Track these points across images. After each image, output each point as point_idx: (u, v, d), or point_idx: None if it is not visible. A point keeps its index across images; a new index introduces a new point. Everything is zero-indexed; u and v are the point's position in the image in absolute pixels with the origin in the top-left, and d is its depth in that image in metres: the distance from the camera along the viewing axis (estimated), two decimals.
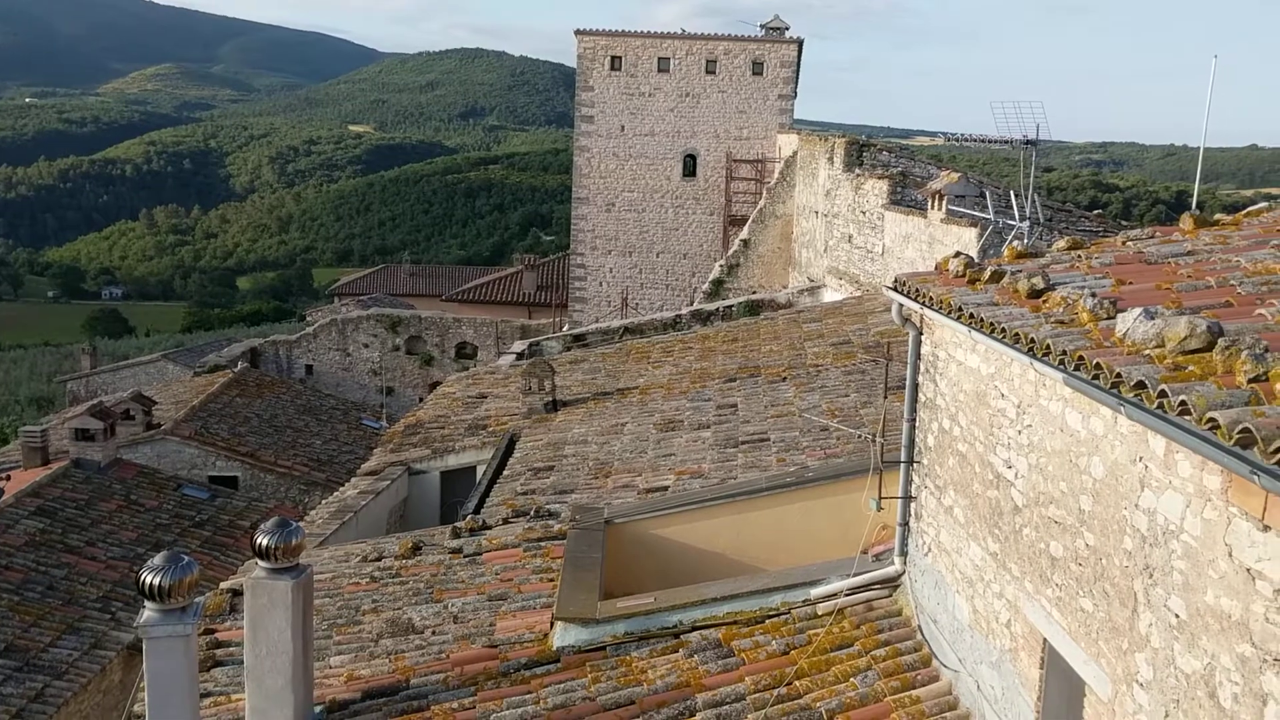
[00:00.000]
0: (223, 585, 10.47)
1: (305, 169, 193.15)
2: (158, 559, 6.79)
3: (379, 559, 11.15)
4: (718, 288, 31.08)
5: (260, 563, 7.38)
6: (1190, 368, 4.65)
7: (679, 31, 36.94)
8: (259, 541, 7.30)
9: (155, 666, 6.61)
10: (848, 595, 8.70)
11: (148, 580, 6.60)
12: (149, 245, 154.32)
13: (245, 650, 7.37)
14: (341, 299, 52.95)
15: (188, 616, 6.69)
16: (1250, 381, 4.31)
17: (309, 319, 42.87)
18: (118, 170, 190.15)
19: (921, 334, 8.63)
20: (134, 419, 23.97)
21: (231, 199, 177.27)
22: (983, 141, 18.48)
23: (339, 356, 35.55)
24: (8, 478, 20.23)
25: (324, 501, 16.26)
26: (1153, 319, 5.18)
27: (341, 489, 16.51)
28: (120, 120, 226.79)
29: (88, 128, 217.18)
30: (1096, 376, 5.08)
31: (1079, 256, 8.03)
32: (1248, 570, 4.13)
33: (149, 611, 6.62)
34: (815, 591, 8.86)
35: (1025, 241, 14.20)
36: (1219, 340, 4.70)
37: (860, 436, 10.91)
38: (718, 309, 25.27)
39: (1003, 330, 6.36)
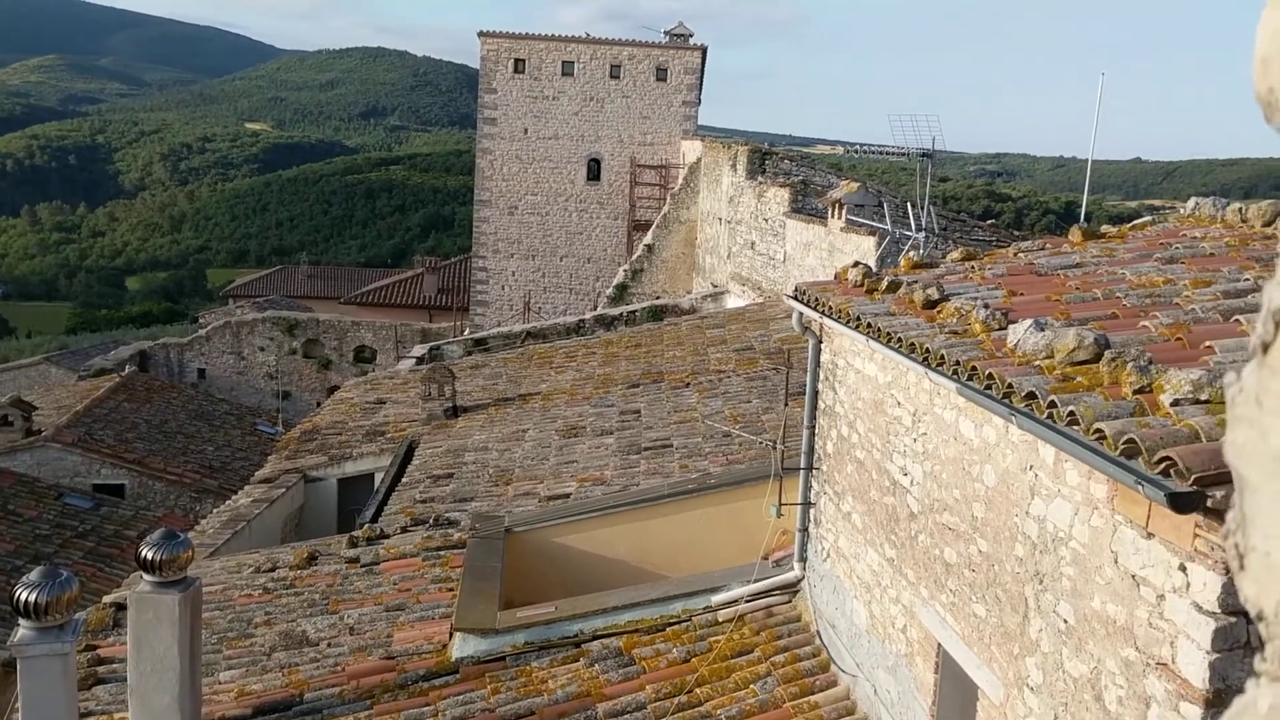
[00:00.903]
0: (106, 599, 10.09)
1: (199, 167, 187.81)
2: (34, 574, 6.51)
3: (273, 569, 10.86)
4: (622, 292, 31.10)
5: (145, 576, 7.10)
6: (1078, 379, 4.77)
7: (584, 36, 36.90)
8: (144, 554, 7.04)
9: (30, 687, 6.33)
10: (748, 602, 8.75)
11: (22, 597, 6.31)
12: (31, 243, 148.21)
13: (129, 667, 7.09)
14: (236, 301, 51.62)
15: (66, 634, 6.42)
16: (1135, 393, 4.43)
17: (202, 321, 41.72)
18: None
19: (821, 342, 8.73)
20: (12, 425, 22.98)
21: (121, 196, 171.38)
22: (881, 153, 18.83)
23: (233, 360, 34.62)
24: None
25: (216, 510, 15.79)
26: (1042, 330, 5.30)
27: (234, 497, 16.06)
28: (1, 113, 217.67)
29: None
30: (989, 387, 5.18)
31: (972, 267, 8.21)
32: (1132, 577, 4.25)
33: (24, 630, 6.34)
34: (716, 598, 8.89)
35: (921, 252, 14.51)
36: (1106, 352, 4.84)
37: (761, 443, 11.00)
38: (621, 314, 25.28)
39: (899, 340, 6.46)
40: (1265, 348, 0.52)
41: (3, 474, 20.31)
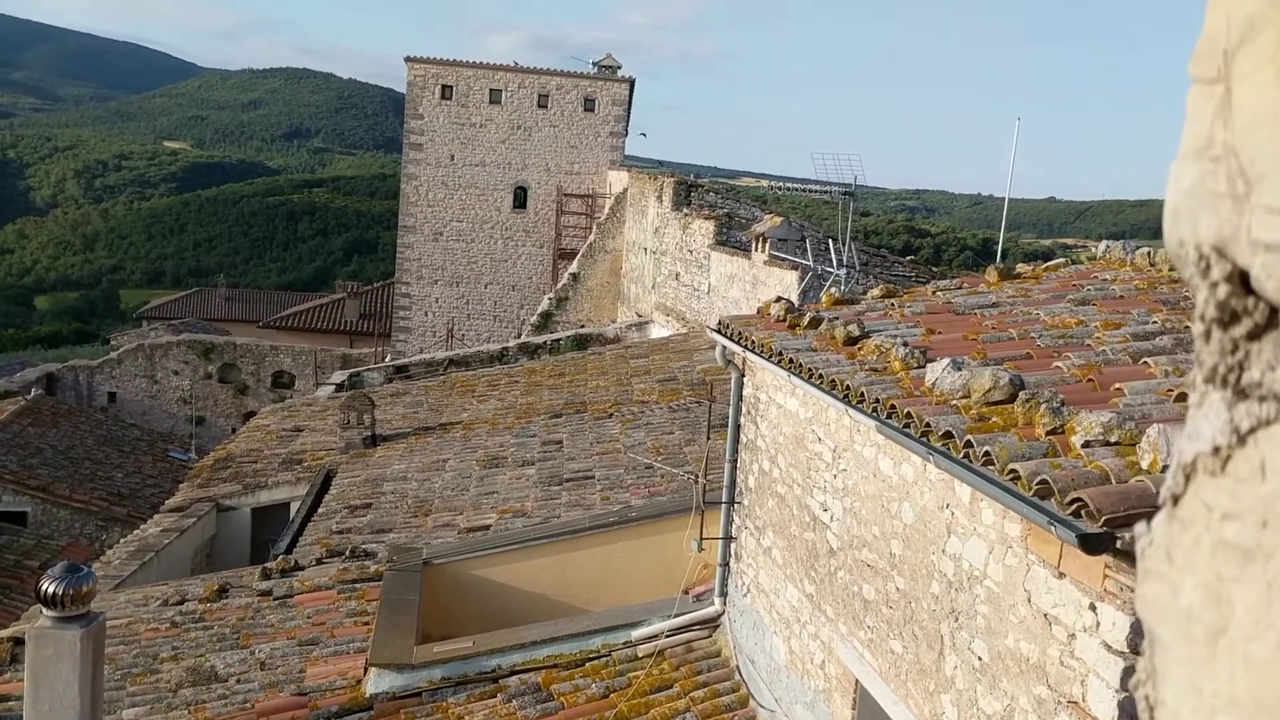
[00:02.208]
0: (2, 634, 9.70)
1: (115, 184, 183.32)
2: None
3: (181, 602, 10.55)
4: (546, 320, 31.01)
5: (45, 610, 6.84)
6: (994, 419, 4.85)
7: (512, 64, 36.90)
8: (44, 588, 6.78)
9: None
10: (668, 636, 8.71)
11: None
12: None
13: (25, 705, 6.80)
14: (151, 323, 50.37)
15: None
16: (1048, 433, 4.52)
17: (114, 343, 40.55)
18: None
19: (744, 376, 8.78)
20: None
21: (32, 213, 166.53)
22: (805, 189, 19.07)
23: (146, 384, 33.72)
24: None
25: (123, 540, 15.32)
26: (959, 370, 5.39)
27: (143, 526, 15.60)
28: None
29: None
30: (907, 425, 5.24)
31: (893, 305, 8.33)
32: (1044, 615, 4.31)
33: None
34: (636, 633, 8.84)
35: (843, 287, 14.70)
36: (1020, 393, 4.93)
37: (683, 476, 11.00)
38: (545, 342, 25.18)
39: (820, 376, 6.52)
40: (1176, 500, 0.53)
41: None
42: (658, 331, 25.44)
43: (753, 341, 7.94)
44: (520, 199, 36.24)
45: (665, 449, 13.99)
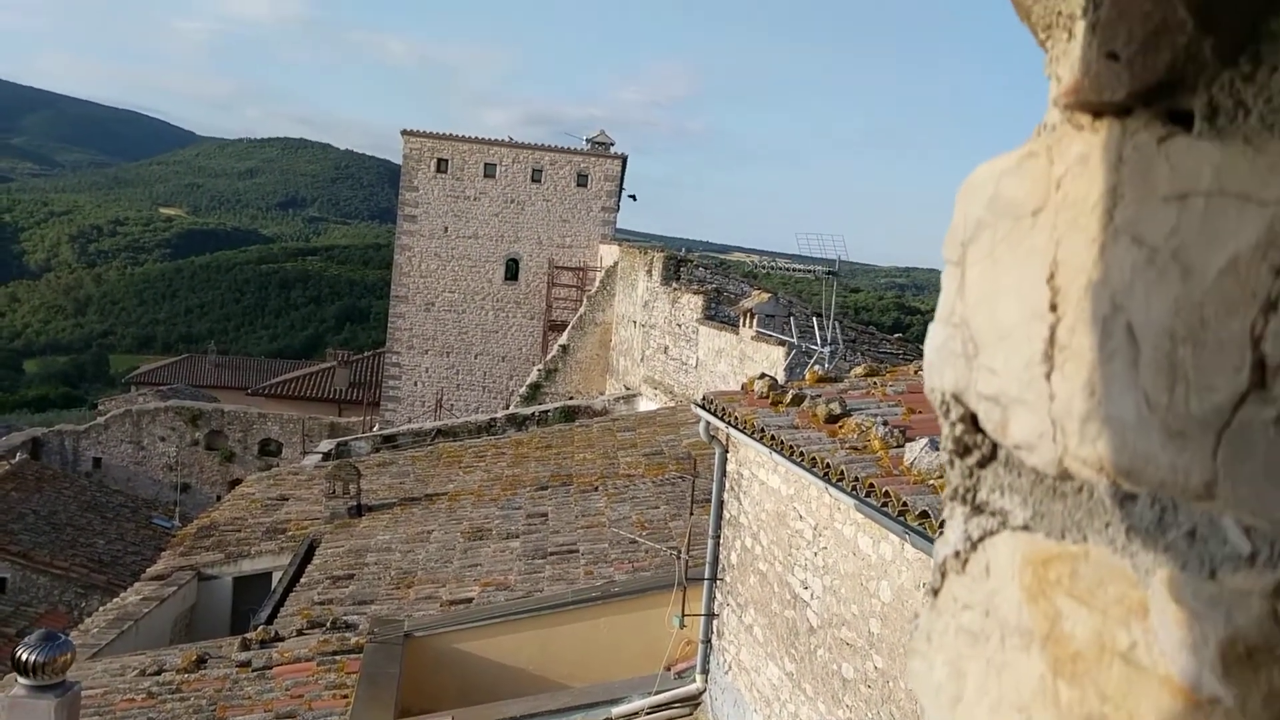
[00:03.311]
0: None
1: (109, 249, 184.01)
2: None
3: (158, 673, 10.45)
4: (535, 392, 31.09)
5: (20, 679, 6.79)
6: None
7: (507, 139, 37.47)
8: (20, 656, 6.74)
9: None
10: (649, 714, 8.66)
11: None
12: None
13: None
14: (139, 388, 50.25)
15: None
16: None
17: (101, 408, 40.46)
18: None
19: (728, 452, 8.84)
20: None
21: (25, 277, 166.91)
22: (789, 269, 19.34)
23: (132, 449, 33.59)
24: None
25: (102, 608, 15.17)
26: (937, 449, 5.47)
27: (123, 594, 15.46)
28: None
29: None
30: (885, 504, 5.30)
31: (875, 383, 8.44)
32: None
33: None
34: (617, 710, 8.78)
35: (827, 365, 14.84)
36: None
37: (667, 551, 11.00)
38: (534, 414, 25.23)
39: (800, 454, 6.60)
40: (935, 593, 0.63)
41: None
42: (645, 405, 25.53)
43: (736, 418, 8.03)
44: (512, 271, 36.55)
45: (650, 524, 13.98)
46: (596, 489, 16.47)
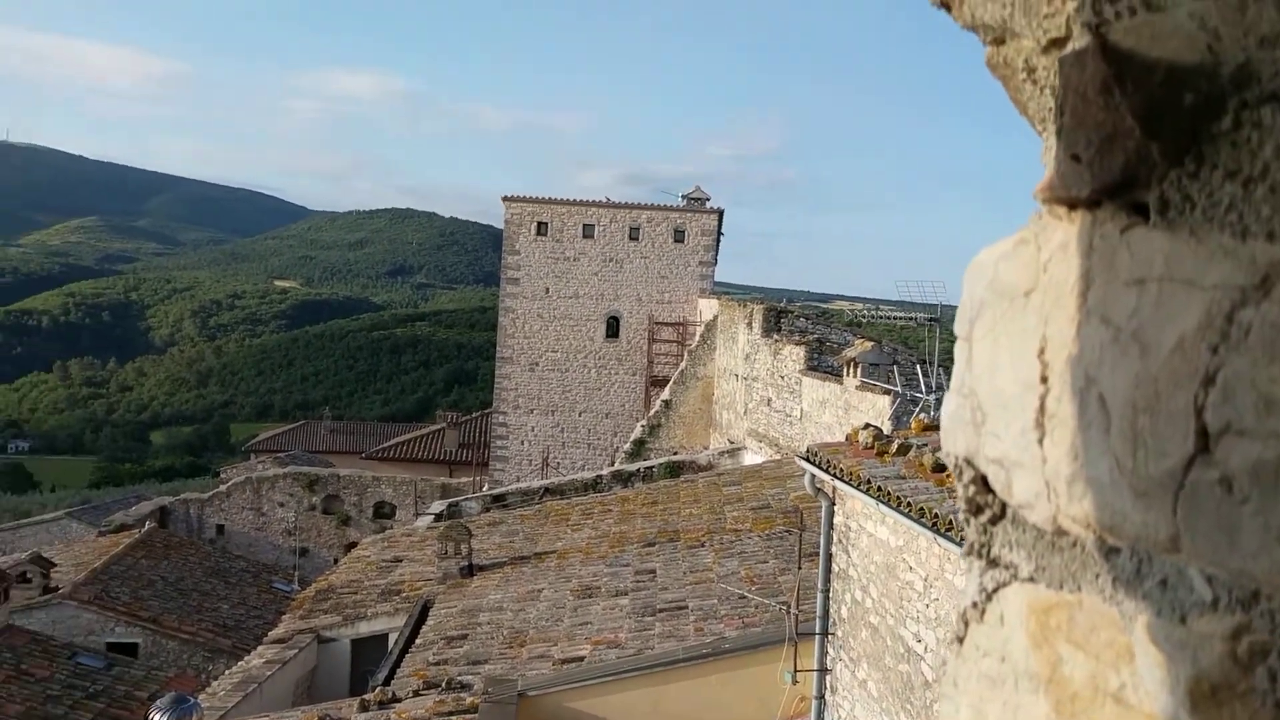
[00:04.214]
0: None
1: (228, 323, 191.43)
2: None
3: None
4: (639, 448, 31.21)
5: None
6: None
7: (604, 200, 38.06)
8: (152, 719, 7.02)
9: None
10: None
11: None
12: (60, 397, 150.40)
13: None
14: (258, 456, 51.89)
15: None
16: None
17: (223, 476, 41.87)
18: (34, 321, 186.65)
19: (834, 504, 8.77)
20: (30, 582, 22.95)
21: (151, 352, 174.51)
22: (891, 317, 19.16)
23: (252, 516, 34.65)
24: None
25: (228, 671, 15.63)
26: None
27: (247, 658, 15.91)
28: (40, 271, 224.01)
29: (5, 278, 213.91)
30: None
31: None
32: None
33: None
34: None
35: (932, 413, 14.62)
36: None
37: (776, 606, 10.91)
38: (639, 470, 25.32)
39: (908, 504, 6.53)
40: (960, 640, 0.68)
41: (17, 632, 20.21)
42: (751, 458, 25.41)
43: (841, 469, 7.98)
44: (613, 328, 36.92)
45: (759, 578, 13.87)
46: (704, 544, 16.42)
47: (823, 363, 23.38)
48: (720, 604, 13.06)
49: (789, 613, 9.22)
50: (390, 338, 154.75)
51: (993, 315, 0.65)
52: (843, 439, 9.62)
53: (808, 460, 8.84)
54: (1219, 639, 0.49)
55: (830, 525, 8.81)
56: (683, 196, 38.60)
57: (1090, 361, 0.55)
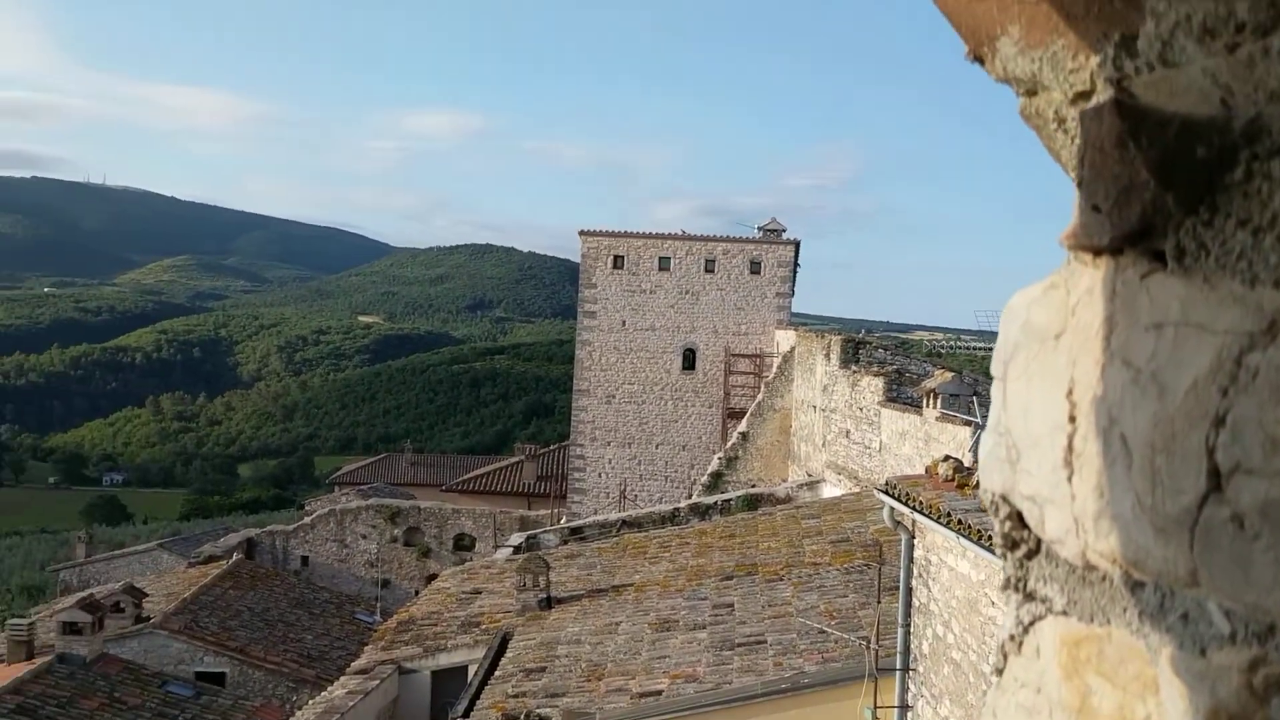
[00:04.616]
0: None
1: (313, 358, 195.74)
2: None
3: None
4: (716, 480, 31.09)
5: None
6: None
7: (679, 232, 38.21)
8: None
9: None
10: None
11: None
12: (153, 431, 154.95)
13: None
14: (342, 488, 52.78)
15: None
16: None
17: (307, 508, 42.66)
18: (128, 358, 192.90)
19: (914, 538, 8.67)
20: (124, 611, 23.60)
21: (239, 387, 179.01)
22: (971, 347, 18.89)
23: (336, 547, 35.22)
24: None
25: (312, 701, 15.88)
26: None
27: (330, 688, 16.14)
28: (134, 309, 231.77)
29: (102, 316, 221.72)
30: None
31: None
32: None
33: None
34: None
35: None
36: None
37: (856, 641, 10.77)
38: (716, 502, 25.23)
39: (990, 538, 6.42)
40: (999, 672, 0.70)
41: (111, 661, 20.78)
42: (829, 490, 25.16)
43: (921, 503, 7.89)
44: (689, 360, 36.94)
45: (839, 613, 13.71)
46: (782, 578, 16.28)
47: (902, 394, 23.11)
48: (799, 638, 12.93)
49: (869, 648, 9.10)
50: (470, 371, 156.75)
51: (1025, 357, 0.67)
52: (922, 471, 9.50)
53: (887, 493, 8.75)
54: (1236, 671, 0.50)
55: (910, 559, 8.70)
56: (759, 228, 38.60)
57: (1113, 402, 0.57)
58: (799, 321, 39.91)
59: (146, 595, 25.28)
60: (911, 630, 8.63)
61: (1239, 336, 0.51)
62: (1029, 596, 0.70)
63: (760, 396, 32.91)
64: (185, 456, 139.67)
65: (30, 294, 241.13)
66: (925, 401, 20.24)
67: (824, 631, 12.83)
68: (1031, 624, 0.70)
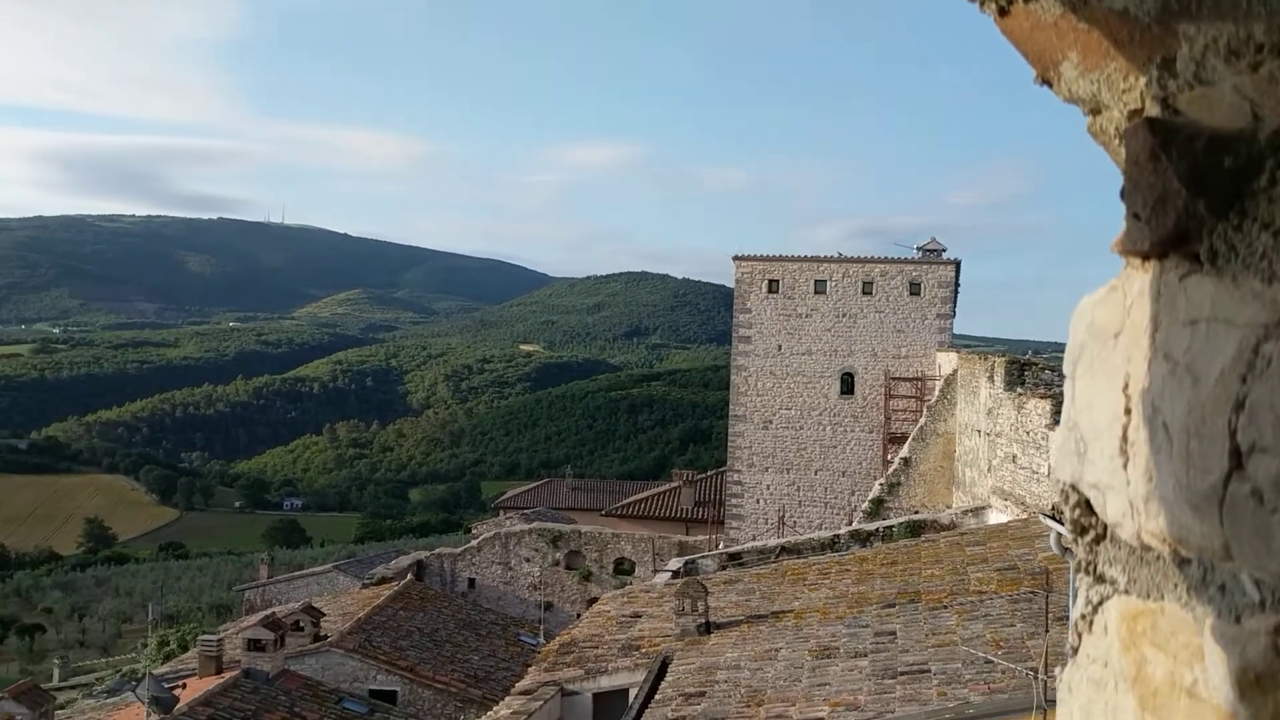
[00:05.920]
0: None
1: (478, 385, 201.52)
2: None
3: None
4: (878, 507, 30.55)
5: None
6: None
7: (835, 255, 37.89)
8: None
9: None
10: None
11: None
12: (330, 458, 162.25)
13: None
14: (506, 512, 54.10)
15: None
16: None
17: (474, 532, 43.87)
18: (306, 387, 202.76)
19: None
20: (303, 630, 24.76)
21: (408, 414, 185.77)
22: None
23: (500, 570, 36.08)
24: (183, 685, 21.04)
25: None
26: None
27: (495, 709, 16.53)
28: (311, 341, 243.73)
29: (282, 348, 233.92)
30: None
31: None
32: None
33: None
34: None
35: None
36: None
37: (1024, 672, 10.42)
38: (877, 529, 24.78)
39: None
40: (1075, 650, 0.74)
41: (291, 677, 21.81)
42: (995, 517, 24.40)
43: None
44: (847, 385, 36.48)
45: (1005, 642, 13.28)
46: (946, 606, 15.88)
47: None
48: (964, 668, 12.58)
49: (1037, 679, 8.81)
50: (627, 397, 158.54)
51: (1090, 355, 0.72)
52: None
53: (1053, 518, 8.48)
54: (1263, 634, 0.54)
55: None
56: (917, 248, 37.94)
57: (1156, 393, 0.61)
58: (961, 343, 38.97)
59: (324, 615, 26.45)
60: None
61: (1257, 328, 0.55)
62: (1099, 578, 0.74)
63: (922, 421, 32.21)
64: (359, 482, 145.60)
65: (217, 328, 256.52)
66: None
67: (990, 661, 12.45)
68: (1100, 603, 0.74)
